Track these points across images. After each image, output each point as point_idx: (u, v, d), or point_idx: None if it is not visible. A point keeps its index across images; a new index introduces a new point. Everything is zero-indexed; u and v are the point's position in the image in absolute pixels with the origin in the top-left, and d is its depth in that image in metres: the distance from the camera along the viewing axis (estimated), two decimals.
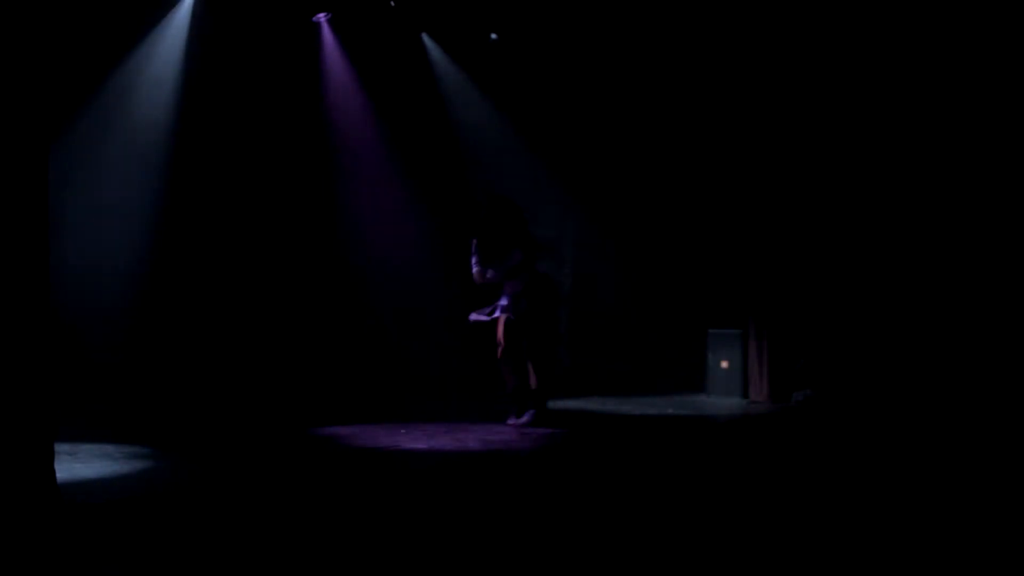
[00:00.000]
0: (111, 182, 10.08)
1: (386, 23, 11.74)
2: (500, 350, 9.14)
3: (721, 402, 11.57)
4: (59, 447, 6.10)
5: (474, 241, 9.19)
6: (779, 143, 11.64)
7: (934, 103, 10.52)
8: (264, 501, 5.88)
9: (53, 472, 5.43)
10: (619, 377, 12.89)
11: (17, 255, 5.28)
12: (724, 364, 11.87)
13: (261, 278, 10.85)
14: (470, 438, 8.46)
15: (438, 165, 12.34)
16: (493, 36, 12.43)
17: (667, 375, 12.92)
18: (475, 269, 9.16)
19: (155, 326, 10.35)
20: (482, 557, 4.57)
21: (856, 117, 11.06)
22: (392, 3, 11.51)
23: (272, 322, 10.86)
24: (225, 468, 7.05)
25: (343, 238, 11.62)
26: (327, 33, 11.53)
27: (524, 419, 9.07)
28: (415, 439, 8.41)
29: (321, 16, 11.38)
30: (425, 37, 12.35)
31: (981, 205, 10.29)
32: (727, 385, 11.83)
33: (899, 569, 4.40)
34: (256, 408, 9.99)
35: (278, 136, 11.00)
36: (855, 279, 11.12)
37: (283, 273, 11.03)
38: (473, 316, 9.30)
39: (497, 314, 9.12)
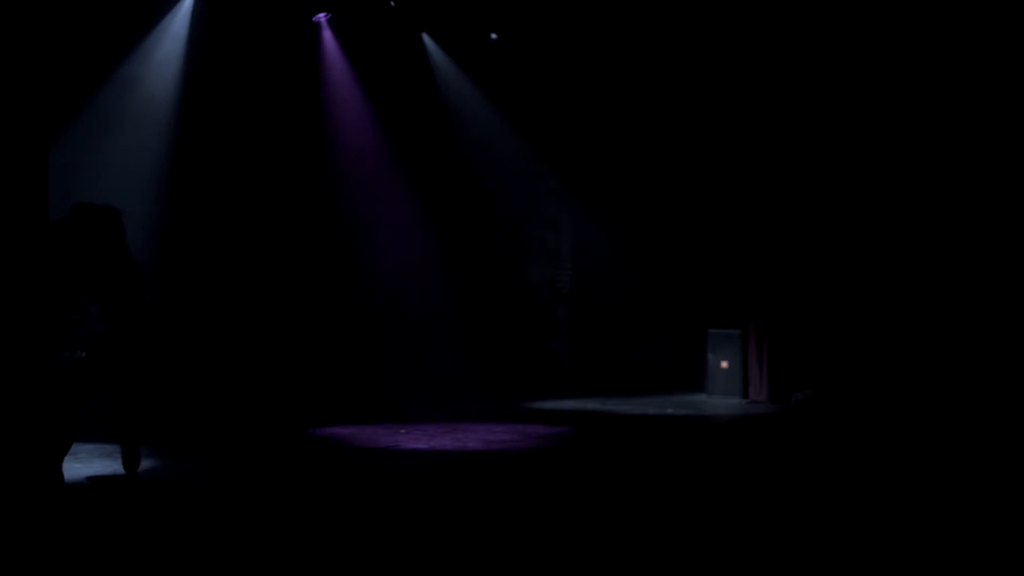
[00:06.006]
0: (111, 182, 10.06)
1: (386, 23, 11.73)
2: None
3: (721, 402, 11.57)
4: None
5: None
6: (779, 146, 11.64)
7: (932, 106, 10.52)
8: (265, 501, 5.88)
9: (61, 472, 5.44)
10: (619, 377, 12.89)
11: (17, 254, 5.27)
12: (724, 364, 11.87)
13: (260, 277, 10.85)
14: (470, 438, 8.46)
15: (437, 164, 12.33)
16: (493, 36, 12.43)
17: (667, 375, 12.93)
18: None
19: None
20: (482, 557, 4.57)
21: (855, 120, 11.06)
22: (392, 3, 11.51)
23: (271, 321, 10.85)
24: (226, 468, 7.05)
25: (342, 236, 11.61)
26: (327, 33, 11.52)
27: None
28: (415, 439, 8.41)
29: (321, 16, 11.38)
30: (425, 37, 12.35)
31: (979, 207, 10.29)
32: (727, 385, 11.83)
33: (899, 568, 4.40)
34: (256, 408, 9.99)
35: (278, 136, 10.99)
36: (854, 280, 11.12)
37: (282, 272, 11.03)
38: None
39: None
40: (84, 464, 6.89)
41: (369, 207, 11.76)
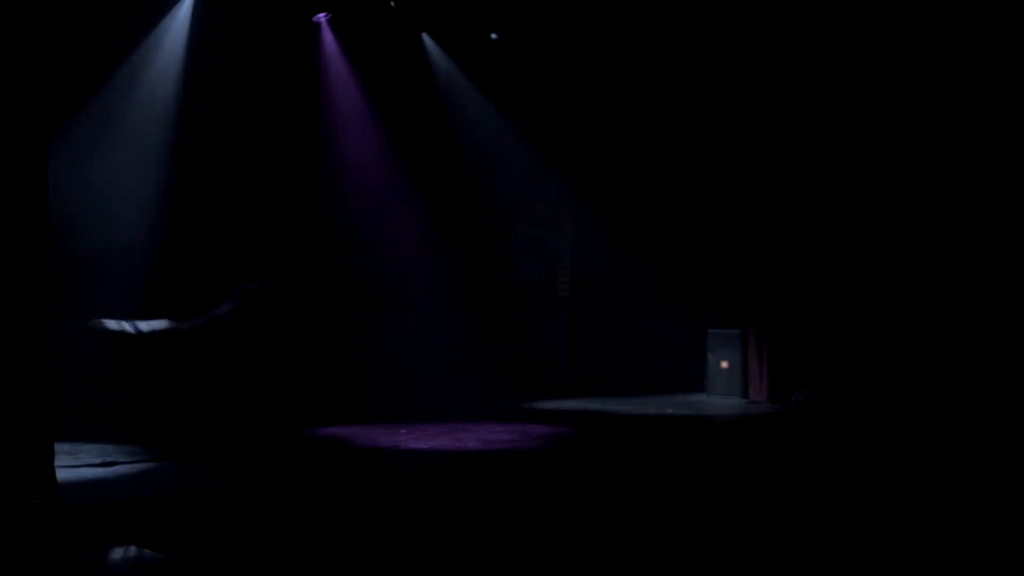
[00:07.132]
0: (112, 182, 10.06)
1: (386, 23, 11.73)
2: None
3: (721, 402, 11.57)
4: (59, 447, 6.10)
5: None
6: (780, 145, 11.64)
7: (932, 105, 10.52)
8: (265, 501, 5.88)
9: (53, 472, 5.43)
10: (619, 377, 12.89)
11: (17, 256, 5.28)
12: (724, 364, 11.87)
13: (260, 277, 10.84)
14: (470, 438, 8.46)
15: (437, 164, 12.33)
16: (493, 36, 12.44)
17: (667, 375, 12.93)
18: None
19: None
20: (482, 557, 4.57)
21: (855, 119, 11.06)
22: (392, 3, 11.52)
23: (271, 322, 10.84)
24: (225, 469, 7.04)
25: (341, 235, 11.60)
26: (327, 33, 11.52)
27: None
28: (415, 439, 8.41)
29: (321, 16, 11.38)
30: (425, 37, 12.35)
31: (979, 206, 10.29)
32: (727, 385, 11.83)
33: (899, 568, 4.40)
34: (256, 408, 9.98)
35: (277, 135, 10.99)
36: (854, 280, 11.12)
37: (282, 272, 11.02)
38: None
39: None
40: (84, 464, 6.89)
41: (369, 207, 11.75)
